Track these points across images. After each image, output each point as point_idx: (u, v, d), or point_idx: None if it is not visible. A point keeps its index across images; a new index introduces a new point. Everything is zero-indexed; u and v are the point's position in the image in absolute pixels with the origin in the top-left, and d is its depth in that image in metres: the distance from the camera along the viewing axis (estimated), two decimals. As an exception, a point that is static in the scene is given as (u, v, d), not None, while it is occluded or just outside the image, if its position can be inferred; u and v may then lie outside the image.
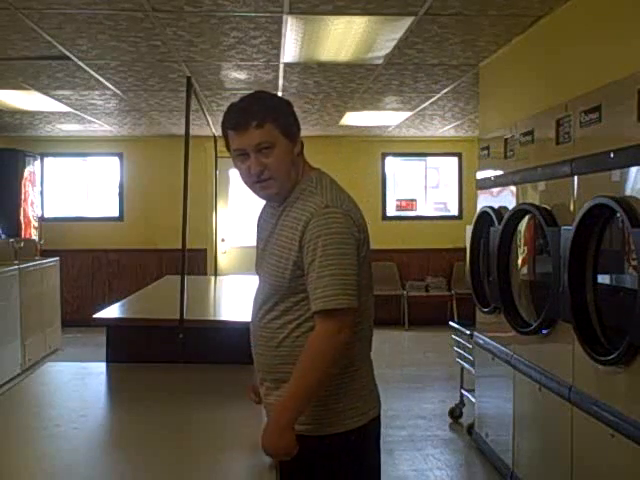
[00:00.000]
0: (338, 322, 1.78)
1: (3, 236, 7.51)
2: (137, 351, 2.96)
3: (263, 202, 2.09)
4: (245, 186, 1.94)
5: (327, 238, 1.80)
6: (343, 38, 4.23)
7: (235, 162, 1.91)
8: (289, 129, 1.89)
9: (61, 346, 7.62)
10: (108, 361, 2.95)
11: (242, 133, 1.84)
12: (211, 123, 5.44)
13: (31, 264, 6.95)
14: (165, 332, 2.95)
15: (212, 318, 3.59)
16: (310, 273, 1.81)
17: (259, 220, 2.09)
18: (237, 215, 9.46)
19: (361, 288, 1.86)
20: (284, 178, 1.88)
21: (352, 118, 7.51)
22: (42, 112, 7.20)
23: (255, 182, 1.88)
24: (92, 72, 5.15)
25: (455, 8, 3.64)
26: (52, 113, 7.24)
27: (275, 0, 3.53)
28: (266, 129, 1.83)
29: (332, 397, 1.88)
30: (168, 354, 2.90)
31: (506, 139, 3.96)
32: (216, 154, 6.01)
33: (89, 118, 7.55)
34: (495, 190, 4.19)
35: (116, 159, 9.50)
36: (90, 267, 9.37)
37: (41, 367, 3.08)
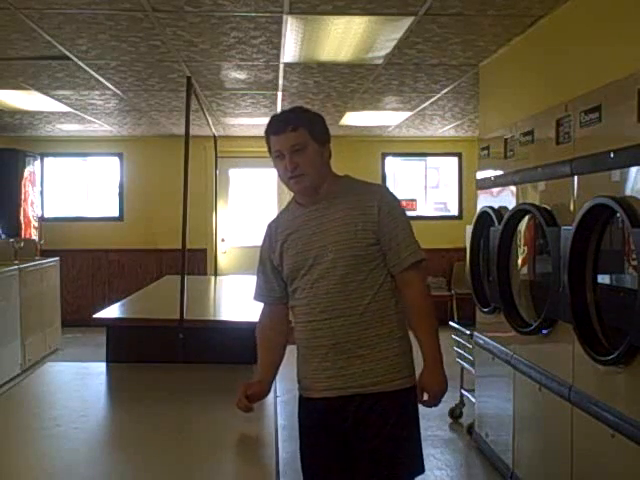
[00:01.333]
0: (423, 270, 2.28)
1: (3, 236, 7.52)
2: (137, 351, 2.96)
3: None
4: (283, 183, 2.28)
5: (399, 208, 2.29)
6: (343, 38, 4.23)
7: (275, 163, 2.26)
8: (319, 135, 2.25)
9: (61, 346, 7.62)
10: (108, 361, 2.95)
11: (280, 136, 2.21)
12: (211, 123, 5.44)
13: (31, 264, 6.95)
14: (165, 332, 2.96)
15: (212, 318, 3.59)
16: (394, 237, 2.21)
17: (286, 226, 2.33)
18: (237, 215, 9.46)
19: None
20: (315, 174, 2.23)
21: (352, 118, 7.51)
22: (42, 112, 7.20)
23: (290, 177, 2.22)
24: (92, 72, 5.15)
25: (455, 8, 3.64)
26: (52, 113, 7.24)
27: (275, 0, 3.53)
28: (299, 133, 2.20)
29: (410, 352, 2.28)
30: (168, 354, 2.90)
31: (506, 139, 3.96)
32: (216, 154, 6.01)
33: (89, 118, 7.55)
34: (495, 190, 4.19)
35: (116, 159, 9.50)
36: (90, 267, 9.37)
37: (41, 367, 3.08)
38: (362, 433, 2.21)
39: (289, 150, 2.20)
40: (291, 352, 2.38)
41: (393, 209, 2.25)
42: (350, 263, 2.19)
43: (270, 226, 2.42)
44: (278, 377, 2.40)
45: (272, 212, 9.49)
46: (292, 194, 2.34)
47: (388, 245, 2.22)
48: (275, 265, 2.34)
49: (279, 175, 2.28)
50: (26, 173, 8.43)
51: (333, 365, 2.21)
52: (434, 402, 2.26)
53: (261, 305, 2.42)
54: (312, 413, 2.30)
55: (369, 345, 2.20)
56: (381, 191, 2.31)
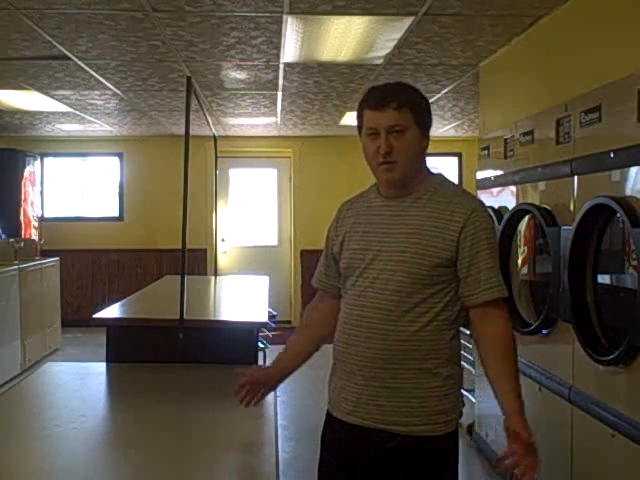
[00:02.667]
0: (504, 309, 1.96)
1: (3, 236, 7.51)
2: (137, 351, 2.96)
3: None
4: (370, 167, 1.98)
5: (489, 232, 1.94)
6: (343, 38, 4.23)
7: (365, 141, 1.96)
8: (423, 120, 1.96)
9: (61, 346, 7.62)
10: (108, 361, 2.95)
11: (379, 112, 1.90)
12: (211, 123, 5.44)
13: (31, 264, 6.94)
14: (165, 332, 2.96)
15: (212, 318, 3.59)
16: (475, 264, 1.90)
17: (357, 213, 2.05)
18: (237, 215, 9.46)
19: None
20: (408, 165, 1.93)
21: (352, 118, 7.47)
22: (42, 112, 7.20)
23: (381, 163, 1.92)
24: (92, 72, 5.15)
25: (455, 8, 3.64)
26: (52, 113, 7.24)
27: (275, 0, 3.52)
28: (403, 113, 1.90)
29: (456, 393, 1.97)
30: (168, 354, 2.90)
31: (506, 139, 3.96)
32: (216, 154, 6.02)
33: (89, 118, 7.55)
34: (495, 190, 4.19)
35: (116, 159, 9.50)
36: (90, 267, 9.37)
37: (41, 367, 3.08)
38: (381, 471, 1.95)
39: (386, 130, 1.89)
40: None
41: (480, 231, 1.90)
42: (409, 280, 1.89)
43: (341, 208, 2.13)
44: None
45: (272, 212, 9.51)
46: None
47: (466, 271, 1.90)
48: (334, 252, 2.07)
49: (366, 157, 1.97)
50: (26, 173, 8.43)
51: (360, 389, 1.94)
52: (529, 453, 1.84)
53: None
54: (336, 433, 2.04)
55: (406, 378, 1.90)
56: (473, 207, 1.94)
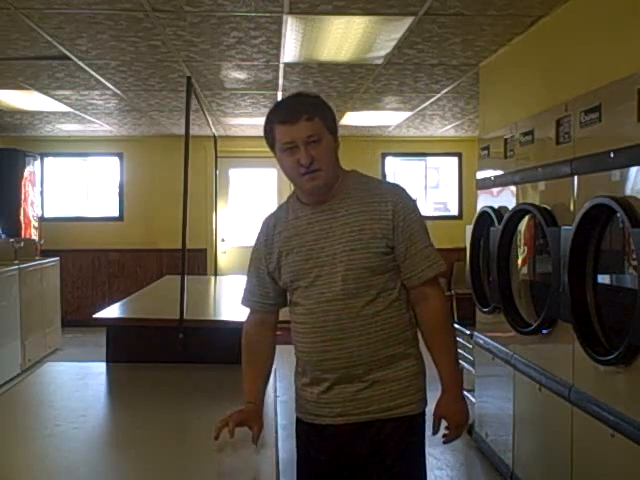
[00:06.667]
0: (440, 285, 2.07)
1: (3, 236, 7.51)
2: (137, 351, 2.95)
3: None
4: (290, 180, 2.01)
5: (417, 214, 2.02)
6: (343, 38, 4.23)
7: (281, 156, 1.98)
8: (332, 126, 2.01)
9: (61, 346, 7.62)
10: (108, 361, 2.94)
11: (292, 126, 1.92)
12: (211, 123, 5.44)
13: (31, 264, 6.94)
14: (165, 332, 2.95)
15: (212, 318, 3.59)
16: (410, 245, 1.98)
17: (285, 227, 2.06)
18: (237, 215, 9.46)
19: None
20: (330, 170, 1.98)
21: (352, 118, 7.51)
22: (42, 112, 7.20)
23: (304, 173, 1.94)
24: (92, 72, 5.15)
25: (455, 8, 3.64)
26: (52, 113, 7.24)
27: (275, 0, 3.53)
28: (315, 123, 1.93)
29: (424, 370, 2.09)
30: (168, 354, 2.90)
31: (506, 139, 3.95)
32: (216, 154, 6.01)
33: (89, 118, 7.55)
34: (495, 190, 4.19)
35: (116, 159, 9.50)
36: (90, 267, 9.37)
37: (41, 367, 3.07)
38: (380, 459, 2.01)
39: (304, 141, 1.91)
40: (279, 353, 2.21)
41: (410, 214, 1.99)
42: (363, 276, 1.94)
43: (267, 223, 2.12)
44: (278, 377, 2.39)
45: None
46: (292, 189, 2.07)
47: (403, 255, 1.98)
48: (270, 270, 2.07)
49: (286, 171, 1.99)
50: (26, 173, 8.43)
51: (345, 390, 1.99)
52: (457, 434, 2.05)
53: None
54: (319, 441, 2.06)
55: (385, 365, 1.98)
56: (397, 192, 2.03)
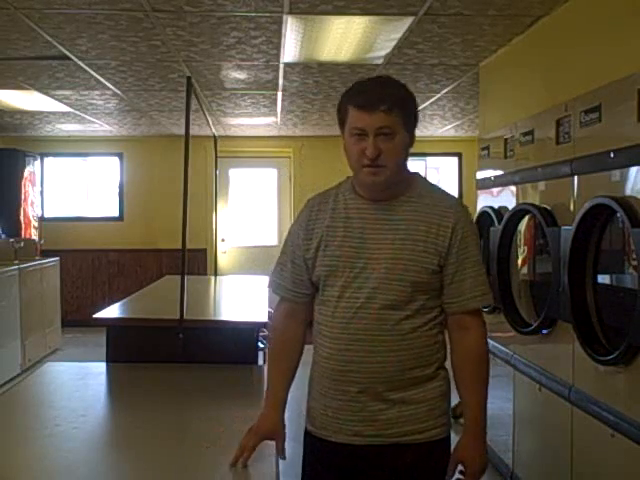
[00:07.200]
0: (482, 315, 1.89)
1: (3, 236, 7.51)
2: (137, 351, 2.95)
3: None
4: (350, 166, 1.86)
5: (475, 238, 1.88)
6: (343, 38, 4.23)
7: (349, 140, 1.82)
8: (411, 122, 1.84)
9: (61, 346, 7.62)
10: (108, 361, 2.94)
11: (368, 114, 1.76)
12: (211, 123, 5.44)
13: (31, 264, 6.94)
14: (165, 332, 2.95)
15: (212, 318, 3.59)
16: (461, 269, 1.82)
17: (332, 214, 1.89)
18: (237, 215, 9.46)
19: None
20: (394, 169, 1.82)
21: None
22: (42, 112, 7.20)
23: (366, 166, 1.79)
24: (92, 72, 5.15)
25: (455, 8, 3.64)
26: (52, 113, 7.24)
27: (275, 0, 3.52)
28: (393, 116, 1.76)
29: (448, 392, 1.92)
30: (168, 354, 2.90)
31: (506, 139, 3.96)
32: (216, 154, 6.01)
33: (89, 118, 7.55)
34: (495, 190, 4.19)
35: (116, 159, 9.50)
36: (90, 267, 9.37)
37: (41, 367, 3.07)
38: None
39: (375, 132, 1.75)
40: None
41: (469, 235, 1.84)
42: (406, 289, 1.79)
43: (311, 206, 1.95)
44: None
45: (272, 212, 9.51)
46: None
47: (450, 278, 1.82)
48: (307, 257, 1.88)
49: (348, 157, 1.84)
50: (26, 173, 8.43)
51: (365, 407, 1.82)
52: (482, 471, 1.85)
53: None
54: (330, 459, 1.90)
55: (412, 385, 1.83)
56: (460, 209, 1.86)
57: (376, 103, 1.75)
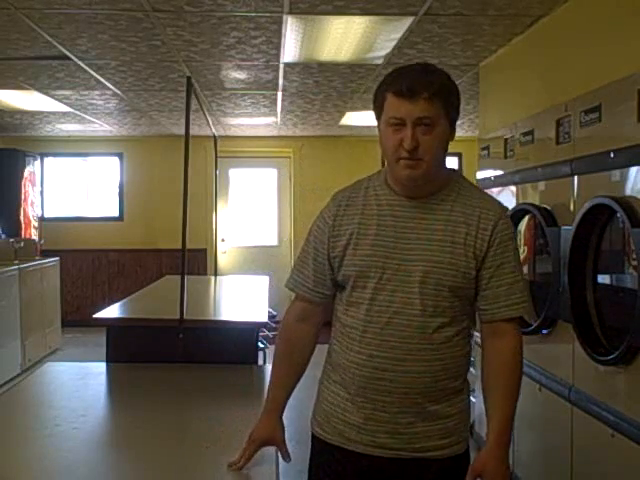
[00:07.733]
0: (519, 323, 1.78)
1: (3, 236, 7.51)
2: (137, 351, 2.96)
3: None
4: (386, 158, 1.74)
5: (514, 243, 1.76)
6: (343, 38, 4.23)
7: (385, 130, 1.70)
8: (453, 112, 1.70)
9: (61, 346, 7.62)
10: (108, 361, 2.95)
11: (408, 101, 1.63)
12: (211, 123, 5.44)
13: (31, 264, 6.94)
14: (165, 332, 2.96)
15: (212, 318, 3.59)
16: (498, 277, 1.71)
17: (363, 210, 1.77)
18: (237, 215, 9.46)
19: None
20: (433, 163, 1.67)
21: (352, 118, 7.51)
22: (42, 112, 7.20)
23: (403, 158, 1.65)
24: (92, 72, 5.15)
25: (455, 8, 3.64)
26: (52, 113, 7.24)
27: (275, 0, 3.52)
28: (434, 105, 1.63)
29: (469, 406, 1.86)
30: (168, 354, 2.90)
31: (506, 139, 3.96)
32: (216, 154, 6.02)
33: (89, 118, 7.55)
34: (495, 190, 4.19)
35: (116, 159, 9.50)
36: (90, 267, 9.37)
37: (41, 367, 3.08)
38: None
39: (414, 122, 1.62)
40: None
41: (508, 239, 1.73)
42: (442, 294, 1.69)
43: (339, 200, 1.81)
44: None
45: (272, 212, 9.51)
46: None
47: (485, 284, 1.71)
48: (332, 256, 1.77)
49: (384, 148, 1.71)
50: (26, 173, 8.43)
51: (394, 419, 1.72)
52: None
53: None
54: (344, 469, 1.79)
55: (441, 398, 1.75)
56: (500, 211, 1.75)
57: (417, 90, 1.62)
